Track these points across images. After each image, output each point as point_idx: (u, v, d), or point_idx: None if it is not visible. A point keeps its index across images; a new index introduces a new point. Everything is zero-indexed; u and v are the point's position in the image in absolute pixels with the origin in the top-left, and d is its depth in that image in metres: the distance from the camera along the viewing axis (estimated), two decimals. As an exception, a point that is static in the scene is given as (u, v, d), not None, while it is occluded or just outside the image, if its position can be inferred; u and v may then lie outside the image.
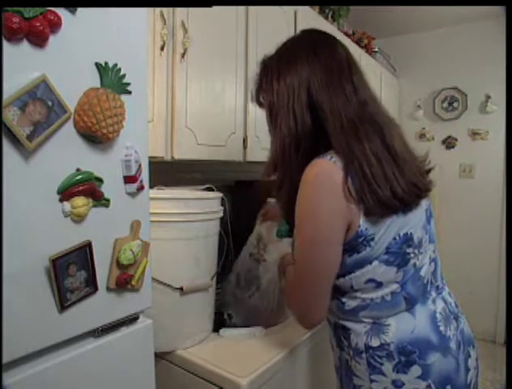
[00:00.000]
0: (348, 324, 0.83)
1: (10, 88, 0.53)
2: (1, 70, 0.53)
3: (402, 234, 0.77)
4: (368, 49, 2.64)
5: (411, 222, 0.79)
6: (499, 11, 2.61)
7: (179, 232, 1.01)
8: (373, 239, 0.75)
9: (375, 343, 0.79)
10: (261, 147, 1.53)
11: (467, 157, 3.00)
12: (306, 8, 1.81)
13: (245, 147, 1.45)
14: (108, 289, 0.71)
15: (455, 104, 3.03)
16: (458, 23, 2.94)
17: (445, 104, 3.06)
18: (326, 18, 2.17)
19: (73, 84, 0.62)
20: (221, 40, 1.32)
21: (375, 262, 0.77)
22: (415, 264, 0.80)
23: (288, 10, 1.67)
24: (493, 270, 2.88)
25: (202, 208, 1.04)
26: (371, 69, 2.58)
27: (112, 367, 0.73)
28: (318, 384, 1.26)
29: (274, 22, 1.58)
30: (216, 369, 0.96)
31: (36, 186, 0.59)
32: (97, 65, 0.66)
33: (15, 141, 0.55)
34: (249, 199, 1.80)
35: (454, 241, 3.01)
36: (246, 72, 1.44)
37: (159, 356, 1.02)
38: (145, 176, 0.77)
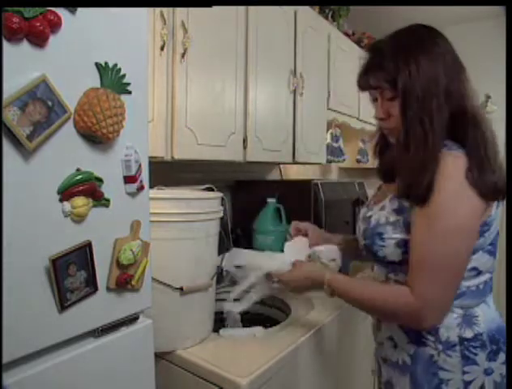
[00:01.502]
0: None
1: (10, 88, 0.53)
2: (1, 70, 0.53)
3: (498, 226, 0.85)
4: (368, 49, 2.64)
5: (499, 217, 0.85)
6: (499, 11, 2.61)
7: (179, 232, 1.01)
8: (489, 229, 0.81)
9: (469, 334, 0.82)
10: (262, 148, 1.53)
11: (467, 157, 3.00)
12: (306, 8, 1.82)
13: (245, 147, 1.45)
14: (108, 289, 0.71)
15: (455, 104, 3.02)
16: (458, 23, 2.93)
17: (445, 104, 3.06)
18: (326, 18, 2.17)
19: (73, 84, 0.62)
20: (221, 40, 1.32)
21: (479, 253, 0.82)
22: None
23: (288, 10, 1.67)
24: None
25: (202, 208, 1.04)
26: (371, 69, 2.58)
27: (112, 367, 0.72)
28: (319, 384, 1.26)
29: (274, 22, 1.58)
30: (216, 369, 0.96)
31: (36, 186, 0.59)
32: (97, 65, 0.66)
33: (15, 141, 0.55)
34: (249, 199, 1.81)
35: (454, 241, 3.01)
36: (246, 72, 1.44)
37: (159, 356, 1.02)
38: (145, 176, 0.77)
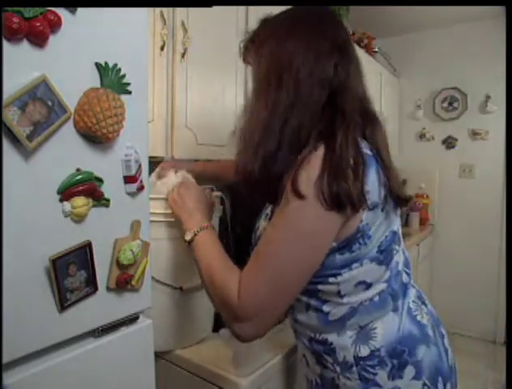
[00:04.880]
0: (330, 337, 0.76)
1: (10, 88, 0.53)
2: (1, 70, 0.53)
3: (389, 231, 0.74)
4: (368, 49, 2.64)
5: (393, 220, 0.76)
6: (499, 11, 2.61)
7: (179, 232, 1.01)
8: (369, 236, 0.70)
9: (364, 352, 0.73)
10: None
11: (467, 157, 3.00)
12: (306, 8, 1.81)
13: (245, 147, 1.45)
14: (108, 289, 0.71)
15: (455, 104, 3.02)
16: (458, 23, 2.93)
17: (445, 104, 3.06)
18: (326, 18, 2.17)
19: (73, 84, 0.62)
20: (221, 41, 1.32)
21: (366, 261, 0.71)
22: (397, 261, 0.78)
23: (288, 10, 1.66)
24: (493, 270, 2.88)
25: (202, 208, 1.04)
26: (371, 69, 2.58)
27: (112, 367, 0.72)
28: (318, 384, 1.26)
29: (274, 22, 1.58)
30: (216, 369, 0.96)
31: (36, 186, 0.59)
32: (97, 65, 0.66)
33: (15, 141, 0.55)
34: (249, 199, 1.80)
35: (454, 241, 3.01)
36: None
37: (158, 355, 1.02)
38: (145, 176, 0.77)
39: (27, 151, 0.56)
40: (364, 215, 0.69)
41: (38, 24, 0.55)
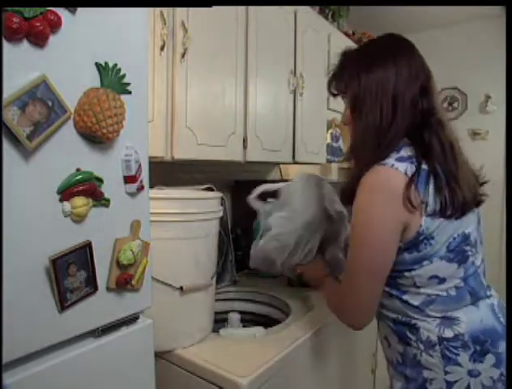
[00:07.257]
0: (414, 320, 0.85)
1: (10, 88, 0.53)
2: (1, 70, 0.53)
3: (459, 233, 0.83)
4: (368, 49, 2.64)
5: (466, 223, 0.84)
6: (499, 11, 2.61)
7: (179, 232, 1.01)
8: (433, 238, 0.80)
9: (449, 334, 0.82)
10: (262, 148, 1.53)
11: (467, 157, 3.00)
12: (306, 8, 1.81)
13: (245, 147, 1.45)
14: (108, 289, 0.72)
15: (455, 104, 3.02)
16: (458, 23, 2.93)
17: (445, 104, 3.06)
18: (326, 18, 2.17)
19: (73, 84, 0.62)
20: (221, 40, 1.32)
21: (435, 259, 0.81)
22: (473, 262, 0.86)
23: (288, 10, 1.66)
24: (493, 270, 2.88)
25: (201, 208, 1.04)
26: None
27: (112, 367, 0.73)
28: (319, 384, 1.26)
29: (274, 22, 1.58)
30: (216, 369, 0.96)
31: (36, 186, 0.59)
32: (97, 65, 0.66)
33: (15, 141, 0.55)
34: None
35: (454, 241, 3.01)
36: (246, 72, 1.44)
37: (158, 355, 1.02)
38: (145, 176, 0.77)
39: (27, 151, 0.56)
40: (423, 222, 0.79)
41: (38, 24, 0.55)
